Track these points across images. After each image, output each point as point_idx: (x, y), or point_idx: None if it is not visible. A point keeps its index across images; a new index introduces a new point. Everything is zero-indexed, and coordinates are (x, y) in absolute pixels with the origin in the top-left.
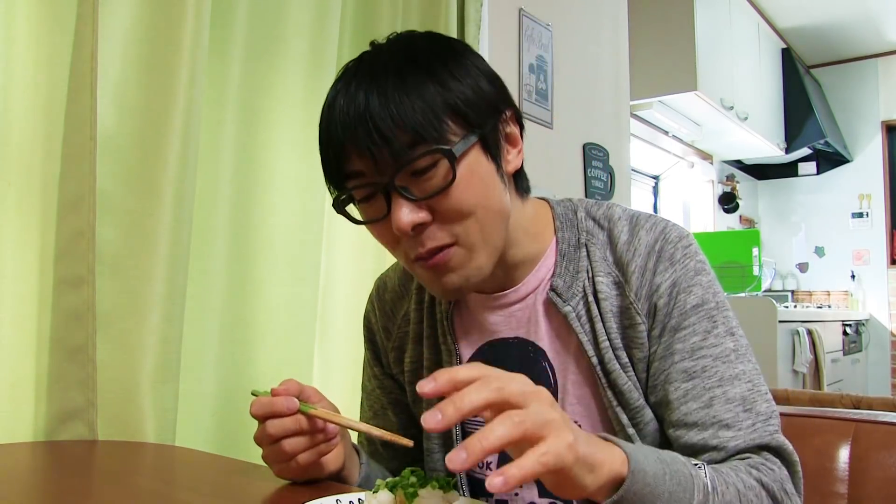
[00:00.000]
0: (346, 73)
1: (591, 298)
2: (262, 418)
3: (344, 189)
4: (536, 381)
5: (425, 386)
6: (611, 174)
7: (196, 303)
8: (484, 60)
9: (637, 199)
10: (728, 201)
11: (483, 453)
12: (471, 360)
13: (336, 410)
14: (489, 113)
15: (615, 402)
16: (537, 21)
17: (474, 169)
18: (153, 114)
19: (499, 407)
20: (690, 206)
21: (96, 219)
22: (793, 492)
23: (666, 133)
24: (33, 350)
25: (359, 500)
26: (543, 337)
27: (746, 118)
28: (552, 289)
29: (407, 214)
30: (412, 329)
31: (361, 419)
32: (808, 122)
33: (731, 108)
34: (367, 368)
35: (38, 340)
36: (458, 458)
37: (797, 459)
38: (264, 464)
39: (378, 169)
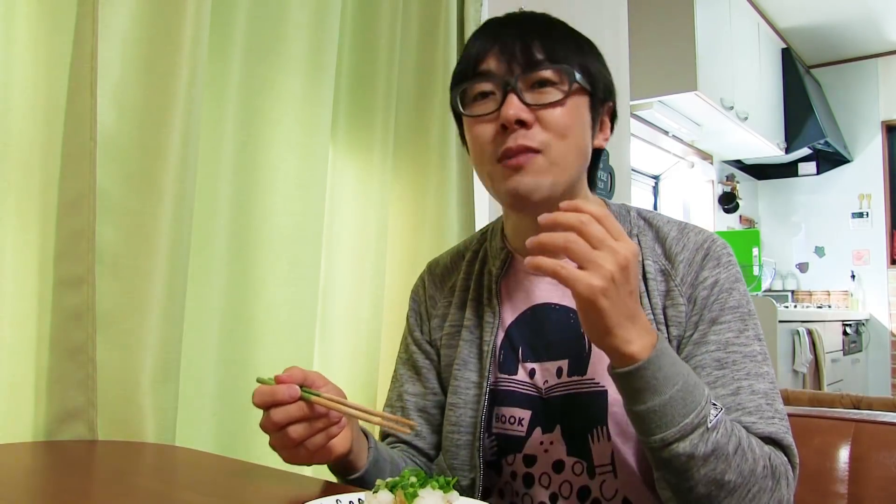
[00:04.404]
0: (497, 17)
1: (639, 278)
2: (265, 407)
3: (472, 82)
4: (571, 346)
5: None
6: (611, 174)
7: (196, 303)
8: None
9: (637, 199)
10: (728, 201)
11: (538, 243)
12: (512, 324)
13: (342, 395)
14: (602, 88)
15: None
16: None
17: (579, 107)
18: (153, 114)
19: (564, 252)
20: (690, 206)
21: (96, 219)
22: (791, 485)
23: (666, 133)
24: (33, 350)
25: (359, 500)
26: None
27: (746, 118)
28: None
29: (516, 108)
30: (457, 297)
31: (392, 389)
32: (808, 122)
33: (731, 108)
34: (405, 339)
35: (38, 340)
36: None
37: (798, 464)
38: (264, 464)
39: (509, 70)
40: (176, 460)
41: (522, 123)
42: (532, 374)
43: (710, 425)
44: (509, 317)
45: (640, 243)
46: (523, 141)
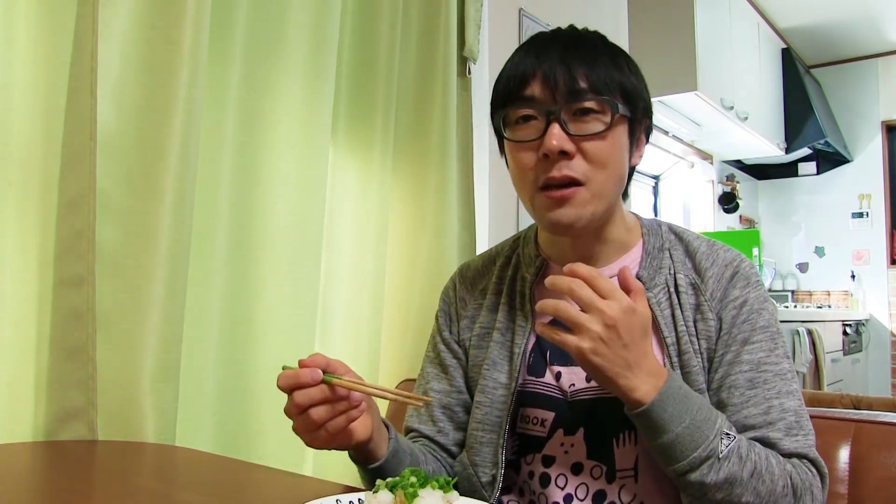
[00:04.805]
0: (540, 35)
1: (672, 290)
2: (289, 389)
3: (515, 106)
4: None
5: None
6: None
7: (196, 303)
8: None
9: (637, 198)
10: (728, 201)
11: (545, 309)
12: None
13: (363, 382)
14: (641, 108)
15: None
16: (537, 21)
17: (619, 136)
18: (153, 114)
19: (573, 298)
20: (690, 206)
21: (96, 219)
22: (818, 497)
23: (666, 133)
24: (33, 350)
25: (359, 500)
26: None
27: (746, 118)
28: (637, 277)
29: (559, 139)
30: (488, 299)
31: (418, 386)
32: (808, 122)
33: (731, 108)
34: (433, 338)
35: (38, 340)
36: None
37: (827, 472)
38: (264, 464)
39: (552, 98)
40: (176, 460)
41: (565, 153)
42: (558, 377)
43: (721, 456)
44: (542, 320)
45: (671, 257)
46: (567, 172)
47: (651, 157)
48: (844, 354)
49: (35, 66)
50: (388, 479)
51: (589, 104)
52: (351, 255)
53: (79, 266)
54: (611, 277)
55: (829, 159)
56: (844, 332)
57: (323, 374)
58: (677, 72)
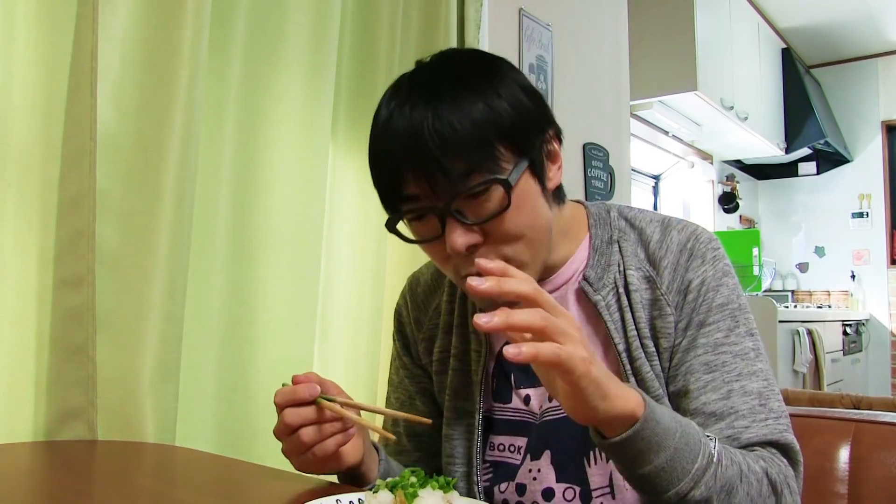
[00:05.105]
0: (397, 93)
1: (621, 290)
2: (285, 405)
3: (399, 211)
4: None
5: (480, 319)
6: (611, 174)
7: (196, 303)
8: (525, 78)
9: (637, 199)
10: (728, 201)
11: (505, 324)
12: (501, 349)
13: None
14: (535, 134)
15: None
16: (537, 21)
17: (525, 193)
18: (153, 114)
19: (540, 334)
20: (690, 206)
21: (96, 219)
22: (794, 489)
23: (666, 133)
24: (33, 350)
25: (359, 500)
26: None
27: (746, 118)
28: (584, 279)
29: (461, 236)
30: (443, 320)
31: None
32: (808, 122)
33: (731, 108)
34: (395, 361)
35: (38, 340)
36: (483, 318)
37: (801, 460)
38: (264, 464)
39: (434, 193)
40: (176, 460)
41: (474, 245)
42: (527, 400)
43: (716, 459)
44: (499, 342)
45: (620, 250)
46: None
47: (651, 157)
48: (844, 354)
49: (35, 66)
50: (388, 479)
51: (475, 190)
52: (351, 255)
53: (78, 266)
54: (560, 286)
55: (829, 159)
56: (844, 332)
57: (319, 390)
58: (677, 72)
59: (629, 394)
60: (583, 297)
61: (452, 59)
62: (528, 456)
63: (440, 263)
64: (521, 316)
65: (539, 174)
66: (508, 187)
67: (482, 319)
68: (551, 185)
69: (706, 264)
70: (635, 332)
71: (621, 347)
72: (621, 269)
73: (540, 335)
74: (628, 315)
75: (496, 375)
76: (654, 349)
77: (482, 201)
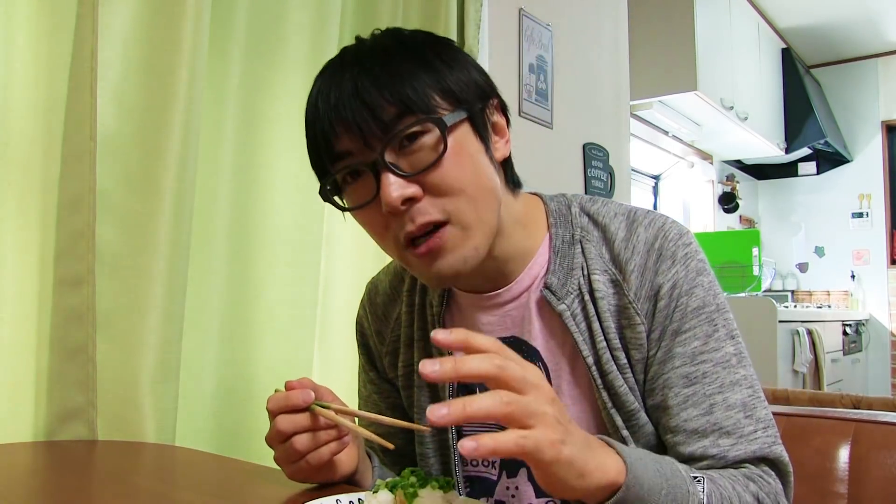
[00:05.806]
0: (330, 64)
1: (587, 297)
2: (278, 411)
3: (331, 173)
4: None
5: (439, 334)
6: (611, 174)
7: (196, 303)
8: (470, 56)
9: (637, 199)
10: (728, 201)
11: (463, 416)
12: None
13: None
14: (476, 95)
15: (610, 404)
16: (537, 21)
17: (464, 144)
18: (153, 114)
19: (496, 384)
20: (690, 206)
21: (96, 219)
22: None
23: (666, 133)
24: (33, 350)
25: (359, 500)
26: (537, 336)
27: (746, 118)
28: (546, 286)
29: (397, 188)
30: (404, 332)
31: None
32: (808, 122)
33: (731, 108)
34: (363, 374)
35: (38, 340)
36: (438, 412)
37: (791, 471)
38: (264, 464)
39: (367, 145)
40: (176, 460)
41: (411, 199)
42: None
43: (705, 502)
44: (460, 355)
45: (583, 251)
46: (422, 219)
47: (651, 157)
48: (844, 354)
49: (35, 66)
50: (388, 479)
51: (409, 130)
52: (351, 255)
53: (79, 266)
54: (520, 293)
55: (829, 159)
56: (844, 332)
57: (314, 395)
58: (677, 72)
59: (608, 462)
60: (545, 307)
61: (393, 32)
62: (504, 473)
63: (379, 236)
64: (481, 402)
65: (482, 134)
66: (444, 128)
67: (426, 369)
68: (498, 155)
69: (677, 265)
70: (605, 344)
71: (591, 360)
72: (585, 272)
73: (505, 423)
74: (596, 325)
75: (461, 390)
76: (626, 361)
77: (417, 150)
